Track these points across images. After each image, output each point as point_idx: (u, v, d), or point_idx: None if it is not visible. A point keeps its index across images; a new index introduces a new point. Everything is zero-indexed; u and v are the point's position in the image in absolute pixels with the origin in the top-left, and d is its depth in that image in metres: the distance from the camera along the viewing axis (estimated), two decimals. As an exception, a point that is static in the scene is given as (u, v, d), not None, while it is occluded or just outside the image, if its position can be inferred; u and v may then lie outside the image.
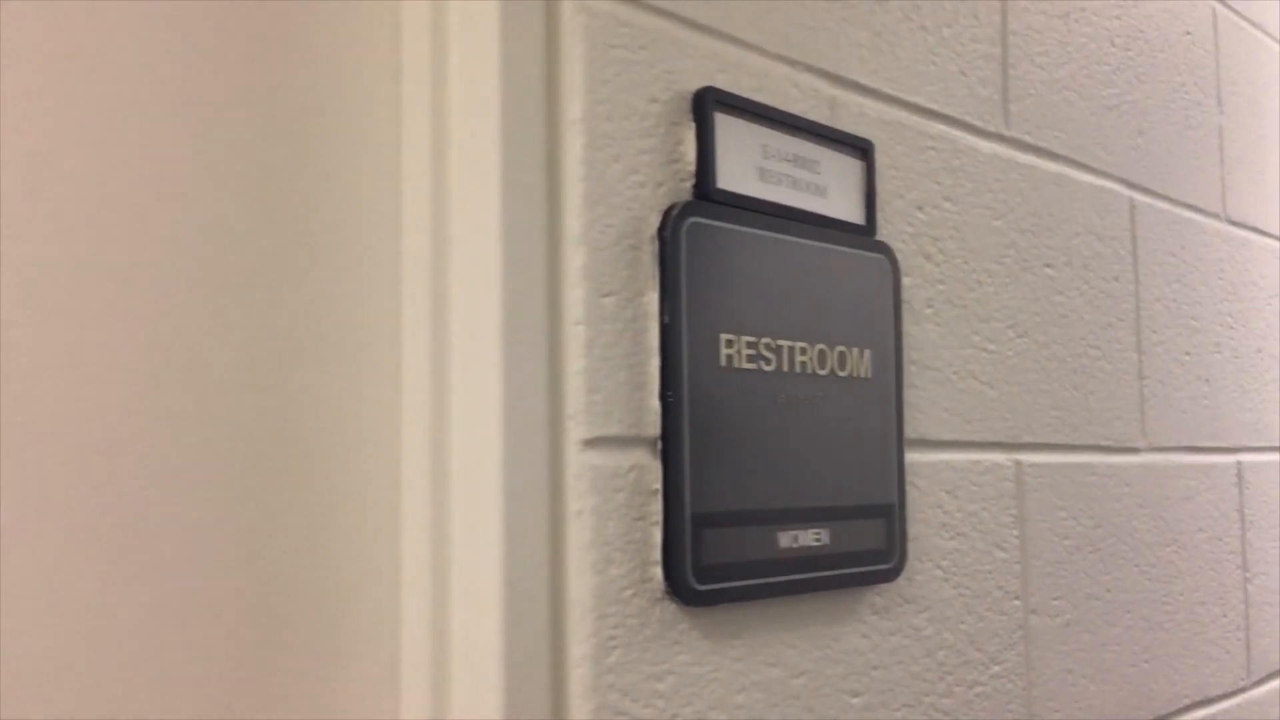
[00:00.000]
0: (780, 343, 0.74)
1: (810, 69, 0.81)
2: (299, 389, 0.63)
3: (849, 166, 0.82)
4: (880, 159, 0.85)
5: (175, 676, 0.58)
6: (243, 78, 0.64)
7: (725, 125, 0.73)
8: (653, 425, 0.68)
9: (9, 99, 0.56)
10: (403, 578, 0.65)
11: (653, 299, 0.68)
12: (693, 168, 0.71)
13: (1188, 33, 1.29)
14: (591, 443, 0.65)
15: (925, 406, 0.88)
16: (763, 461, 0.72)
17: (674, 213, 0.69)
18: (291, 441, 0.63)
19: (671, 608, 0.67)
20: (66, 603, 0.55)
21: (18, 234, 0.56)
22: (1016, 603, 0.95)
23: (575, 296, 0.65)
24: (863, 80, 0.85)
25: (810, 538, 0.75)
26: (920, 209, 0.89)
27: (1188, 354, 1.23)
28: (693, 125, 0.72)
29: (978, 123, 0.96)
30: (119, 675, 0.57)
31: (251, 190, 0.63)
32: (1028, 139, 1.02)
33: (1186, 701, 1.16)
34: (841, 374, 0.78)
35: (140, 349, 0.58)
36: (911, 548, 0.84)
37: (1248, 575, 1.30)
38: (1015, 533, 0.96)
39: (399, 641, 0.64)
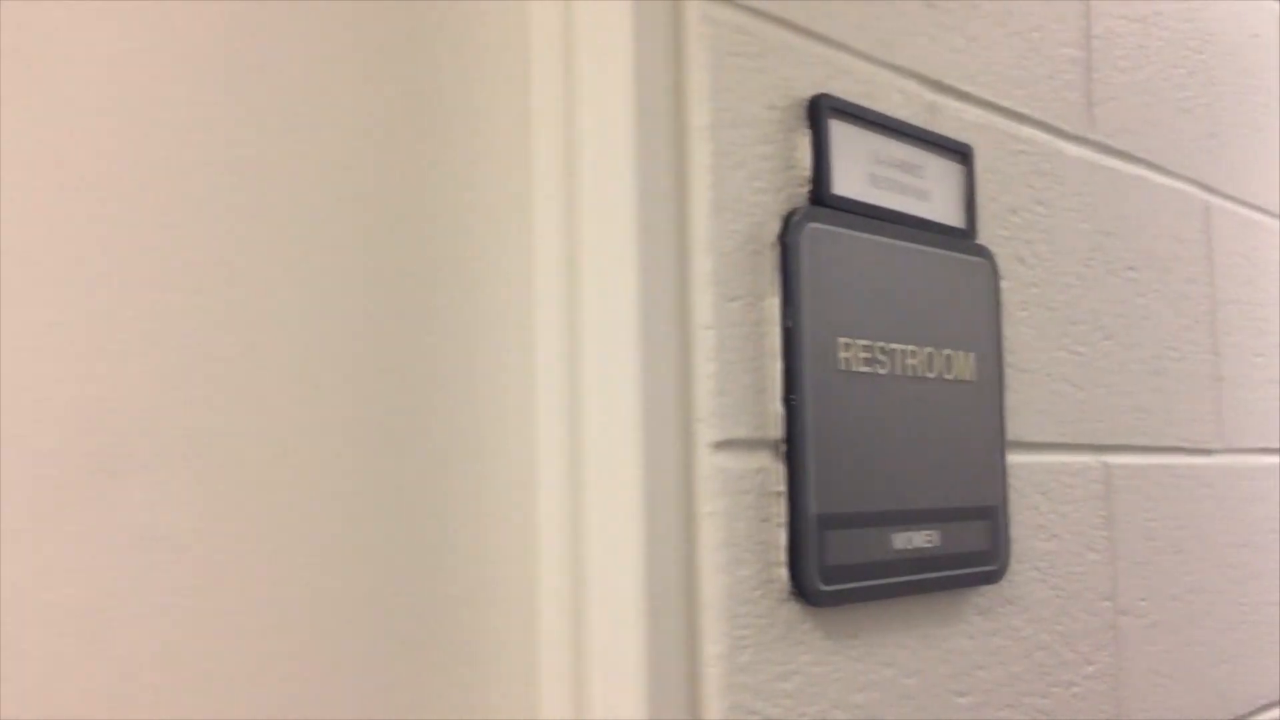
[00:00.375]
0: (892, 346, 0.75)
1: (912, 74, 0.82)
2: (436, 397, 0.64)
3: (950, 171, 0.83)
4: (976, 163, 0.85)
5: (324, 676, 0.59)
6: (374, 86, 0.65)
7: (838, 131, 0.74)
8: (776, 428, 0.68)
9: (172, 103, 0.57)
10: (539, 579, 0.66)
11: (774, 303, 0.69)
12: (808, 173, 0.72)
13: (1255, 35, 1.29)
14: (721, 445, 0.65)
15: (1020, 408, 0.88)
16: (878, 463, 0.73)
17: (794, 218, 0.70)
18: (428, 446, 0.64)
19: (796, 608, 0.68)
20: (226, 604, 0.56)
21: (187, 243, 0.57)
22: (1107, 604, 0.96)
23: (703, 301, 0.66)
24: (959, 85, 0.86)
25: (922, 539, 0.75)
26: (1014, 212, 0.90)
27: (1259, 355, 1.23)
28: (808, 131, 0.73)
29: (1065, 126, 0.97)
30: (271, 676, 0.58)
31: (384, 198, 0.64)
32: (1110, 142, 1.02)
33: (1264, 702, 1.17)
34: (948, 377, 0.79)
35: (288, 358, 0.59)
36: (1011, 549, 0.84)
37: (1317, 576, 1.30)
38: (1105, 534, 0.96)
39: (537, 642, 0.65)
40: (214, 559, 0.56)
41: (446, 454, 0.64)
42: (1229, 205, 1.20)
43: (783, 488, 0.68)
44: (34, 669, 0.51)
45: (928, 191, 0.80)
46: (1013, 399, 0.87)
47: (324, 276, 0.61)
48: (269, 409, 0.58)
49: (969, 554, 0.79)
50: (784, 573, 0.68)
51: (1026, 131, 0.93)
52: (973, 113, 0.87)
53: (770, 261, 0.69)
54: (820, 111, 0.72)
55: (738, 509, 0.66)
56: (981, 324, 0.82)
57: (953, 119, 0.85)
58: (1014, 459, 0.87)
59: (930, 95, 0.83)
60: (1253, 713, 1.15)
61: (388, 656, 0.61)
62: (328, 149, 0.63)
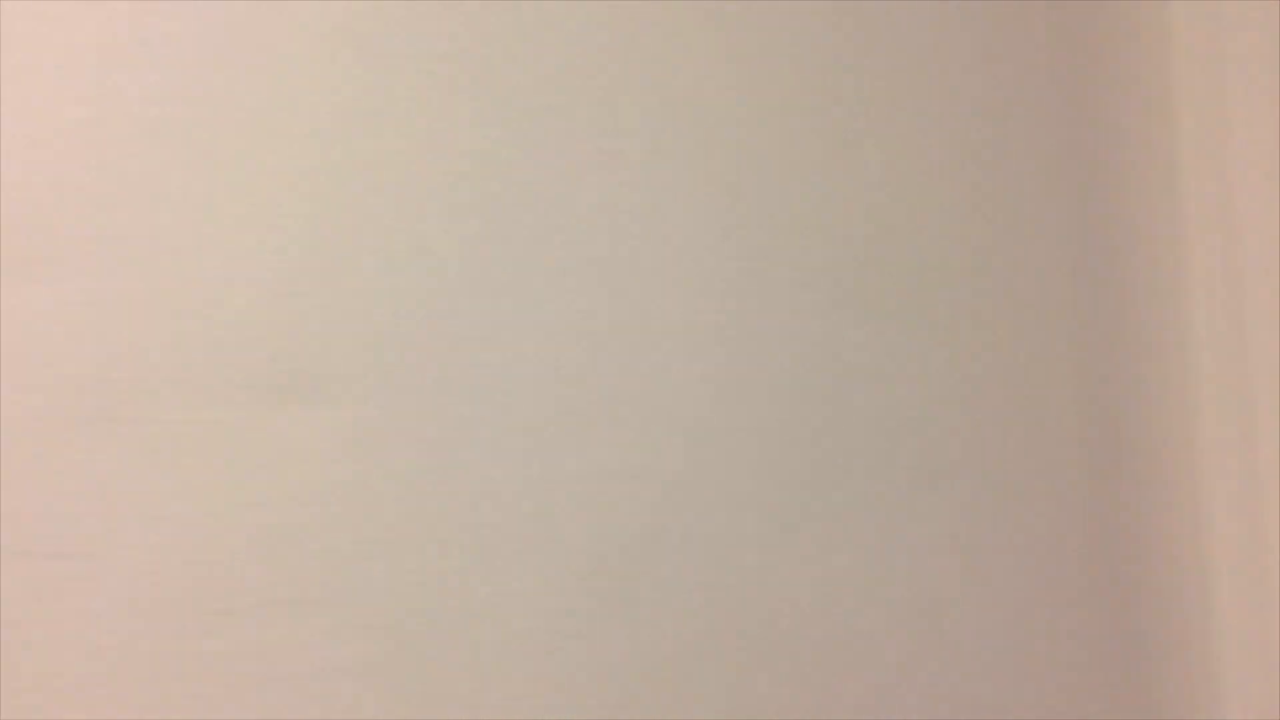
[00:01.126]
0: None
1: None
2: (1100, 415, 0.67)
3: None
4: None
5: (1042, 670, 0.63)
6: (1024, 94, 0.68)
7: None
8: None
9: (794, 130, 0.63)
10: (1215, 586, 0.67)
11: None
12: None
13: None
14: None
15: None
16: None
17: None
18: (1107, 463, 0.67)
19: None
20: (957, 605, 0.61)
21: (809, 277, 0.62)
22: None
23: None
24: None
25: None
26: None
27: None
28: None
29: None
30: (979, 672, 0.62)
31: (1038, 208, 0.68)
32: None
33: None
34: None
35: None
36: None
37: None
38: None
39: (1217, 646, 0.67)
40: (952, 568, 0.61)
41: (1121, 466, 0.67)
42: None
43: None
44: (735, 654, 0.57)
45: None
46: None
47: (1046, 306, 0.65)
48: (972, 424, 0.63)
49: None
50: None
51: None
52: None
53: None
54: None
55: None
56: None
57: None
58: None
59: None
60: None
61: (1089, 653, 0.64)
62: (941, 149, 0.66)
